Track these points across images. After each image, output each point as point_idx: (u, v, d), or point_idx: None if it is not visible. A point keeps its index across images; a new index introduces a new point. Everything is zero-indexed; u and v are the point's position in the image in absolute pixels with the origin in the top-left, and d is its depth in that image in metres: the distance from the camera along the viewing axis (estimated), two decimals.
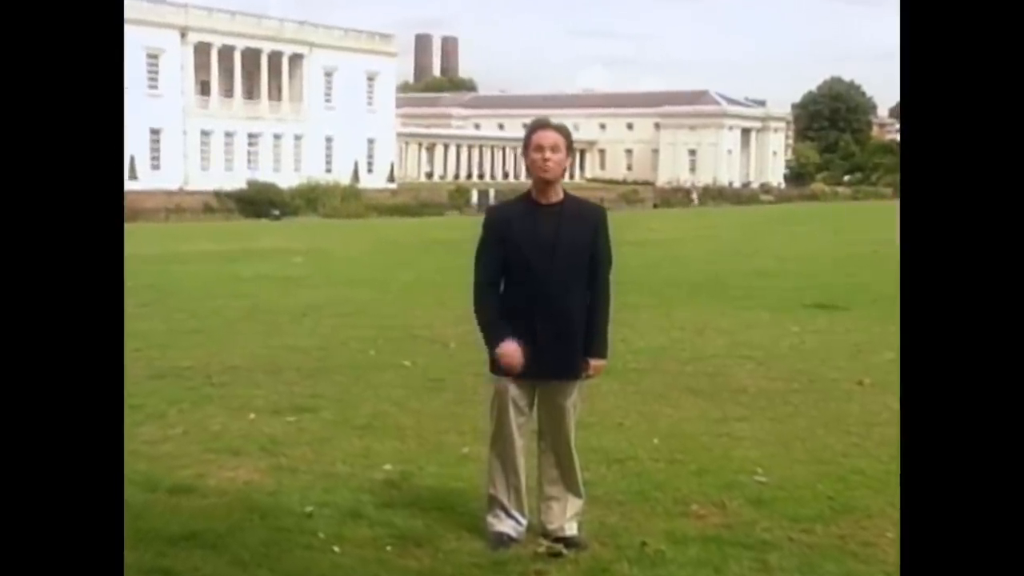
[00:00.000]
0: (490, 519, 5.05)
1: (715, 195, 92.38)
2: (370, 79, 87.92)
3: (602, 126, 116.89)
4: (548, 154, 4.84)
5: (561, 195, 4.99)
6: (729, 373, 9.77)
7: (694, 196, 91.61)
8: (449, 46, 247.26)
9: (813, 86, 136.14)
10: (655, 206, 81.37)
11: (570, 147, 4.95)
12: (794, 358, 10.69)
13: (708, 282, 18.83)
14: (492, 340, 4.86)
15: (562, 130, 4.95)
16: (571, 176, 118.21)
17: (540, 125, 4.95)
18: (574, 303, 4.90)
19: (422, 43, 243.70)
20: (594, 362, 4.98)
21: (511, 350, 4.77)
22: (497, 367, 4.92)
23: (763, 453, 6.68)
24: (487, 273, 4.92)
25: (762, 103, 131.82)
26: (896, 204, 2.98)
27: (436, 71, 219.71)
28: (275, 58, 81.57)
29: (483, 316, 4.92)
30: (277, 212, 62.99)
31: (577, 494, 5.09)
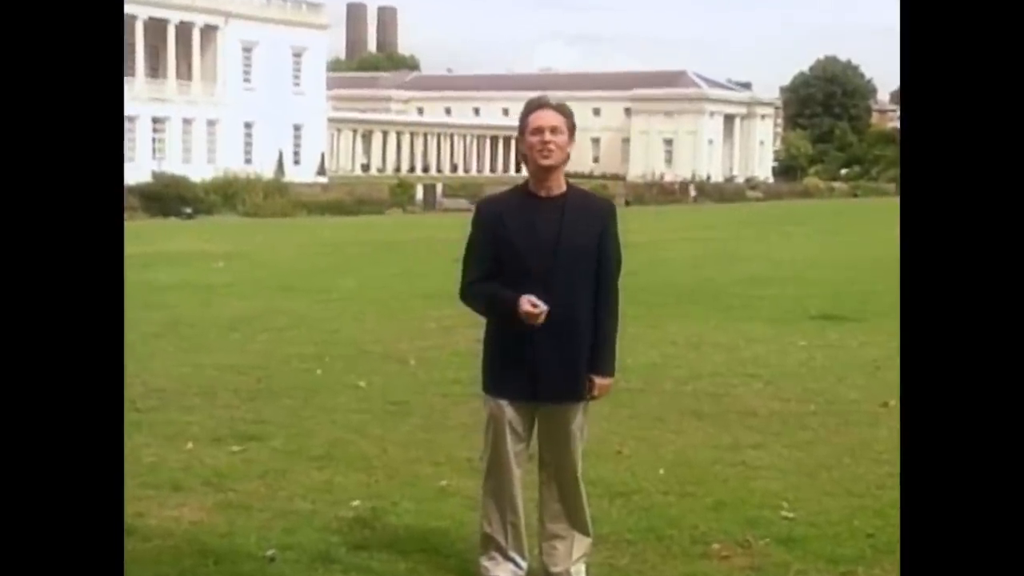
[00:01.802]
0: (485, 562, 5.05)
1: (695, 191, 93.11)
2: (296, 55, 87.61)
3: None
4: (548, 136, 4.82)
5: (564, 187, 4.98)
6: (734, 394, 9.88)
7: (692, 191, 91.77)
8: (387, 17, 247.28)
9: (805, 67, 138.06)
10: (627, 203, 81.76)
11: (573, 129, 4.95)
12: (805, 376, 10.82)
13: (697, 290, 19.01)
14: (506, 303, 4.75)
15: (563, 110, 4.94)
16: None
17: (537, 104, 4.94)
18: (579, 312, 4.90)
19: (355, 14, 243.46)
20: (600, 380, 4.98)
21: (531, 303, 4.69)
22: (493, 386, 4.92)
23: (786, 484, 6.76)
24: (477, 272, 4.91)
25: (747, 86, 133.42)
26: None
27: (372, 47, 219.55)
28: (184, 30, 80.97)
29: (481, 299, 4.90)
30: (189, 210, 62.54)
31: (584, 532, 5.11)
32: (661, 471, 7.05)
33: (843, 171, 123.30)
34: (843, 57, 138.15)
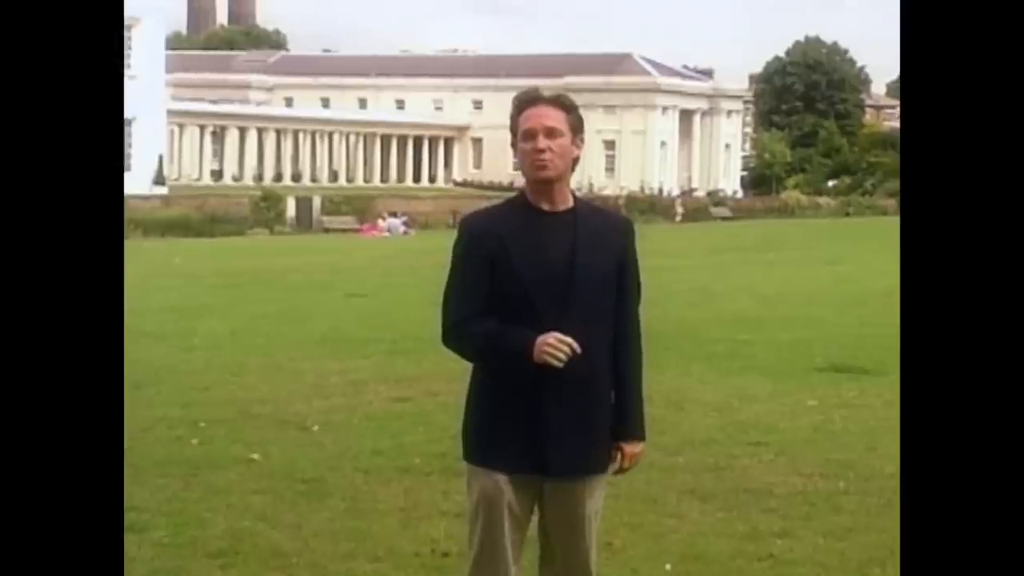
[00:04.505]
0: None
1: (645, 208, 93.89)
2: (125, 28, 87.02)
3: (477, 104, 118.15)
4: (542, 142, 4.81)
5: (570, 200, 5.00)
6: (738, 466, 9.96)
7: (679, 209, 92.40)
8: None
9: (781, 50, 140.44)
10: None
11: (577, 127, 4.94)
12: (824, 445, 10.95)
13: (671, 334, 19.09)
14: (512, 344, 4.74)
15: (562, 103, 4.92)
16: (431, 178, 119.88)
17: (528, 100, 4.92)
18: (598, 357, 4.91)
19: None
20: (629, 447, 5.01)
21: (556, 337, 4.66)
22: (486, 454, 4.89)
23: None
24: (469, 307, 4.85)
25: (709, 74, 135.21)
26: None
27: (223, 17, 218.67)
28: None
29: (478, 339, 4.85)
30: None
31: None
32: (668, 567, 7.10)
33: (830, 182, 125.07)
34: (828, 38, 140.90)
